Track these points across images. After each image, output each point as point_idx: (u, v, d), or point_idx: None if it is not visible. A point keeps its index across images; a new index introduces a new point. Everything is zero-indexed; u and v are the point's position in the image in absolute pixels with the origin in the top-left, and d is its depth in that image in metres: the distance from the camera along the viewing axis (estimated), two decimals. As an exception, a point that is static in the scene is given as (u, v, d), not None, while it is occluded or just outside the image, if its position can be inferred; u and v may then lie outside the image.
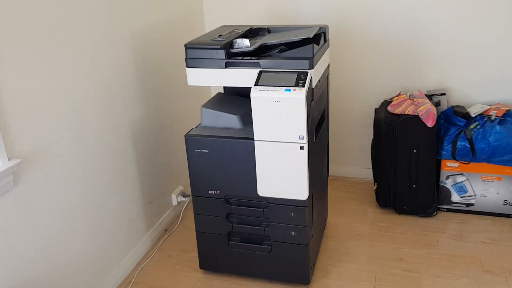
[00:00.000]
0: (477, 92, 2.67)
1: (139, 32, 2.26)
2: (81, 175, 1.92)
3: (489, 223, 2.52)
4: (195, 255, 2.38)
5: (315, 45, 1.87)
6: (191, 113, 2.87)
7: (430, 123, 2.36)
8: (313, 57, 1.83)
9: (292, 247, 2.04)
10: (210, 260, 2.20)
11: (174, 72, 2.62)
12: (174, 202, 2.70)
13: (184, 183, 2.83)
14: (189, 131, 2.03)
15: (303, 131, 1.81)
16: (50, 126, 1.73)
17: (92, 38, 1.93)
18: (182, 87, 2.73)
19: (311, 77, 1.82)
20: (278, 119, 1.82)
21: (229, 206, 2.05)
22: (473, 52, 2.61)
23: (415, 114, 2.42)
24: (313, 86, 1.86)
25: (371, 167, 2.92)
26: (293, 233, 2.01)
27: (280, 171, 1.90)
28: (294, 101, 1.77)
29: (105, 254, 2.11)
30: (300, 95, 1.76)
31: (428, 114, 2.36)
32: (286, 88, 1.78)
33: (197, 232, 2.16)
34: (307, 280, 2.09)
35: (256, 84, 1.82)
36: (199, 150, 1.98)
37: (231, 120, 2.03)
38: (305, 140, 1.82)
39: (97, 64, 1.97)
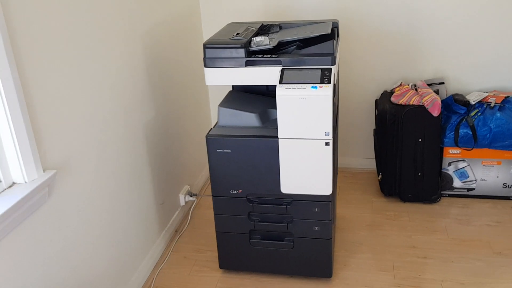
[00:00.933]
0: (474, 80, 2.76)
1: (148, 31, 2.20)
2: (105, 182, 1.87)
3: (491, 206, 2.63)
4: (211, 254, 2.37)
5: (334, 41, 1.88)
6: (195, 112, 2.84)
7: (436, 113, 2.43)
8: (334, 53, 1.84)
9: (315, 242, 2.06)
10: (230, 259, 2.19)
11: (174, 71, 2.58)
12: (182, 202, 2.67)
13: (190, 182, 2.80)
14: (209, 132, 2.00)
15: (329, 127, 1.83)
16: (79, 134, 1.67)
17: (108, 39, 1.86)
18: (184, 86, 2.69)
19: (334, 73, 1.83)
20: (304, 116, 1.82)
21: (251, 204, 2.05)
22: (470, 41, 2.69)
23: (420, 104, 2.48)
24: (335, 82, 1.87)
25: (372, 157, 2.99)
26: (316, 228, 2.03)
27: (305, 168, 1.91)
28: (321, 98, 1.78)
29: (125, 260, 2.07)
30: (327, 91, 1.77)
31: (434, 104, 2.42)
32: (312, 85, 1.79)
33: (217, 232, 2.15)
34: (329, 273, 2.13)
35: (281, 82, 1.82)
36: (221, 150, 1.96)
37: (250, 119, 2.02)
38: (330, 136, 1.84)
39: (113, 66, 1.91)
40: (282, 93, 1.80)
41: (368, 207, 2.70)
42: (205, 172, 3.04)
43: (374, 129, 2.90)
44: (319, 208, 1.99)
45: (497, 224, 2.47)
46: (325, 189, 1.94)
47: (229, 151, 1.96)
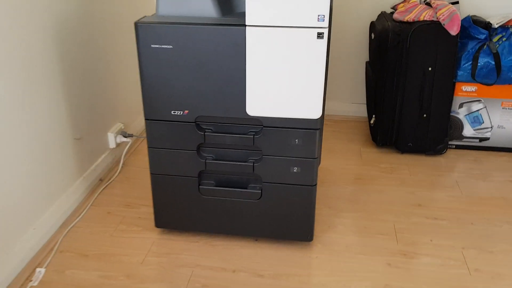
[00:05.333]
0: (493, 3, 2.18)
1: None
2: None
3: (508, 160, 2.08)
4: (145, 210, 1.72)
5: None
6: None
7: (454, 30, 1.83)
8: None
9: (292, 190, 1.44)
10: (171, 215, 1.55)
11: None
12: (112, 144, 1.99)
13: (124, 119, 2.12)
14: (140, 18, 1.33)
15: (324, 8, 1.19)
16: None
17: None
18: (119, -16, 1.98)
19: None
20: (287, -12, 1.18)
21: (202, 133, 1.40)
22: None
23: (434, 19, 1.88)
24: None
25: (360, 102, 2.40)
26: (295, 169, 1.41)
27: (283, 76, 1.28)
28: (316, -46, 1.13)
29: (15, 211, 1.39)
30: None
31: (452, 18, 1.82)
32: None
33: (152, 175, 1.49)
34: (309, 235, 1.51)
35: None
36: (157, 46, 1.29)
37: (203, 5, 1.36)
38: (326, 23, 1.21)
39: None
40: None
41: (356, 159, 2.10)
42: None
43: (367, 62, 2.30)
44: (301, 140, 1.36)
45: (522, 180, 1.93)
46: (313, 109, 1.31)
47: (170, 47, 1.29)
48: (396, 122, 2.06)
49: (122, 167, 2.01)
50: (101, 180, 1.91)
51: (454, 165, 2.05)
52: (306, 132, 1.35)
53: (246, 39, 1.25)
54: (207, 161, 1.44)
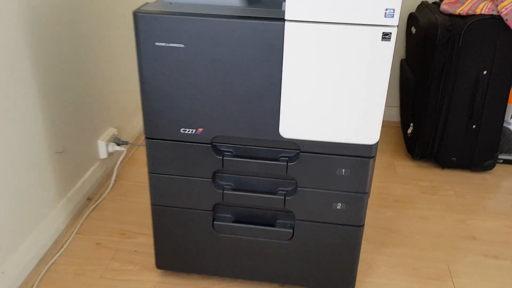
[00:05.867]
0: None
1: None
2: None
3: None
4: (143, 240, 1.41)
5: None
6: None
7: (521, 27, 1.52)
8: None
9: (333, 231, 1.13)
10: (176, 255, 1.23)
11: None
12: (103, 154, 1.67)
13: (117, 123, 1.79)
14: (141, 7, 1.00)
15: (395, 1, 0.87)
16: None
17: None
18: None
19: None
20: (346, -30, 0.85)
21: (220, 157, 1.08)
22: None
23: (493, 14, 1.56)
24: None
25: (393, 105, 2.09)
26: (338, 205, 1.10)
27: (332, 88, 0.96)
28: None
29: (-30, 253, 1.07)
30: None
31: (519, 12, 1.51)
32: None
33: (153, 206, 1.17)
34: (351, 284, 1.21)
35: None
36: (164, 44, 0.97)
37: (225, -10, 1.03)
38: (395, 20, 0.89)
39: None
40: None
41: (390, 174, 1.80)
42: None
43: (402, 59, 1.98)
44: (349, 170, 1.05)
45: None
46: (369, 132, 1.00)
47: (182, 46, 0.97)
48: (439, 133, 1.75)
49: (115, 181, 1.69)
50: (89, 199, 1.59)
51: (504, 184, 1.75)
52: (357, 161, 1.04)
53: (285, 38, 0.93)
54: (224, 191, 1.13)
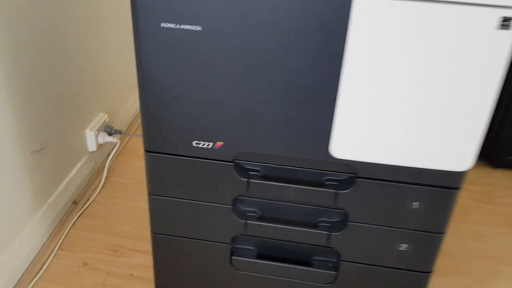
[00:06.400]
0: None
1: None
2: None
3: None
4: (140, 260, 1.14)
5: None
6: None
7: None
8: None
9: (392, 277, 0.86)
10: (183, 290, 0.97)
11: None
12: (92, 146, 1.38)
13: (107, 108, 1.49)
14: (137, -33, 0.68)
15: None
16: None
17: None
18: None
19: None
20: None
21: (245, 180, 0.79)
22: None
23: None
24: None
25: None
26: (403, 246, 0.82)
27: (410, 93, 0.67)
28: None
29: None
30: None
31: None
32: None
33: (154, 234, 0.90)
34: (404, 333, 0.96)
35: None
36: (172, 26, 0.66)
37: None
38: (528, -1, 0.58)
39: None
40: None
41: (432, 174, 1.52)
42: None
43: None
44: (423, 203, 0.77)
45: None
46: (460, 155, 0.71)
47: (198, 28, 0.66)
48: (495, 128, 1.46)
49: (106, 178, 1.41)
50: (75, 203, 1.31)
51: None
52: (437, 192, 0.76)
53: (351, 19, 0.62)
54: (248, 221, 0.85)
